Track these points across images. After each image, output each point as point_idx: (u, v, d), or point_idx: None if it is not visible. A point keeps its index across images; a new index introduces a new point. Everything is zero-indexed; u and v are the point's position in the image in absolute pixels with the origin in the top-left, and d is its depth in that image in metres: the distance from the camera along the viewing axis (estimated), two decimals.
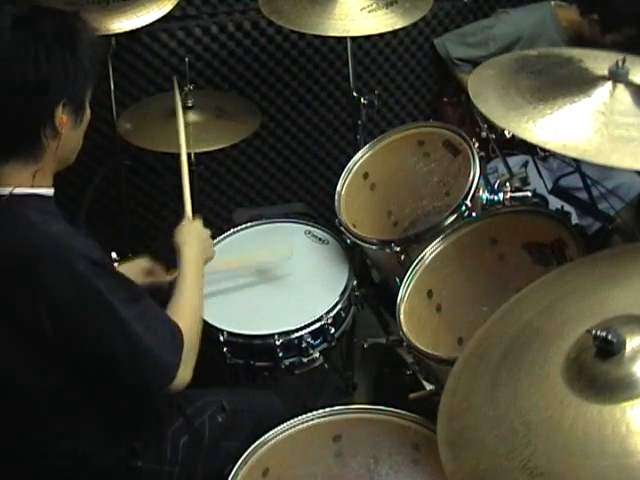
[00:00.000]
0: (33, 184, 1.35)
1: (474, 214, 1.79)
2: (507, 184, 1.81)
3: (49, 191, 1.39)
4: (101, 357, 1.37)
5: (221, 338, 1.83)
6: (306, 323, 1.83)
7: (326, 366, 1.93)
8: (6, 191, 1.32)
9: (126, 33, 2.22)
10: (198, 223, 1.74)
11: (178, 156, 1.87)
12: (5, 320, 1.34)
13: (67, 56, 1.31)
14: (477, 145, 1.86)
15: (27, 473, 1.49)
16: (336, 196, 2.02)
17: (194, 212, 1.79)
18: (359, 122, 2.35)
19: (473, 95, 1.42)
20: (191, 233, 1.68)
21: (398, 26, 2.14)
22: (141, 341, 1.36)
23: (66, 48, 1.31)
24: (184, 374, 1.43)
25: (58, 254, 1.30)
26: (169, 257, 1.69)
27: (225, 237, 2.15)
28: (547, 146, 1.25)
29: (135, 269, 1.80)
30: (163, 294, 1.59)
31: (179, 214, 1.77)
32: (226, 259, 1.99)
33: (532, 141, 1.26)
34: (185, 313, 1.49)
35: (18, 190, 1.33)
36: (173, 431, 1.60)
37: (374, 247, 1.88)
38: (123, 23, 2.20)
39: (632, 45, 2.45)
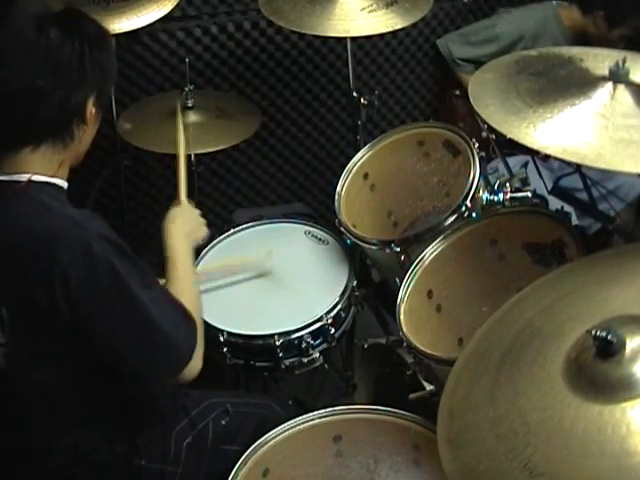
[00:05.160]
0: (55, 173, 1.41)
1: (474, 214, 1.79)
2: (507, 184, 1.81)
3: (64, 183, 1.44)
4: (115, 339, 1.36)
5: (221, 338, 1.83)
6: (306, 323, 1.83)
7: (326, 366, 1.93)
8: (24, 177, 1.37)
9: (126, 33, 2.22)
10: (185, 205, 1.74)
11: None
12: (19, 303, 1.35)
13: (103, 53, 1.42)
14: (477, 145, 1.86)
15: (28, 470, 1.49)
16: (336, 196, 2.02)
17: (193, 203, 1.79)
18: (359, 122, 2.35)
19: (473, 100, 1.42)
20: (176, 217, 1.66)
21: (398, 26, 2.14)
22: (156, 324, 1.36)
23: (102, 46, 1.42)
24: (196, 361, 1.44)
25: (75, 234, 1.32)
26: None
27: (225, 237, 2.15)
28: (547, 151, 1.24)
29: None
30: None
31: None
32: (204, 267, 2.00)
33: (533, 146, 1.26)
34: (186, 295, 1.48)
35: (36, 177, 1.38)
36: (177, 432, 1.60)
37: (374, 247, 1.88)
38: (123, 23, 2.20)
39: (638, 37, 2.45)
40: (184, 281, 1.53)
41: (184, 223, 1.67)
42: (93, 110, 1.42)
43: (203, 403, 1.67)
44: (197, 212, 1.75)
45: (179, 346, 1.40)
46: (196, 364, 1.44)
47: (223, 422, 1.66)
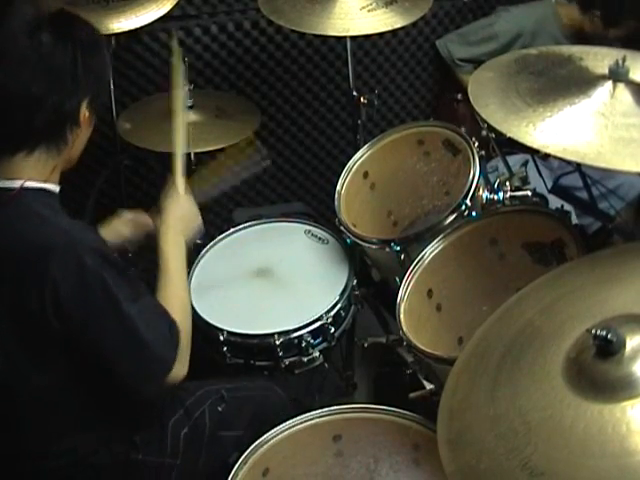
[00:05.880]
0: (47, 178, 1.40)
1: (474, 213, 1.78)
2: (507, 183, 1.81)
3: (56, 188, 1.44)
4: (101, 351, 1.38)
5: (221, 337, 1.83)
6: (306, 322, 1.83)
7: (326, 366, 1.93)
8: (17, 184, 1.37)
9: (126, 33, 2.22)
10: (179, 197, 1.68)
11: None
12: (12, 311, 1.36)
13: (96, 57, 1.41)
14: (477, 144, 1.86)
15: (27, 471, 1.49)
16: (336, 196, 2.02)
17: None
18: (359, 122, 2.35)
19: (473, 99, 1.42)
20: (169, 215, 1.62)
21: (398, 25, 2.14)
22: (142, 338, 1.38)
23: (95, 50, 1.42)
24: (181, 368, 1.45)
25: (68, 246, 1.32)
26: None
27: (225, 237, 2.15)
28: (547, 150, 1.24)
29: (122, 225, 1.79)
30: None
31: None
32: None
33: (533, 145, 1.26)
34: (175, 306, 1.49)
35: (29, 183, 1.37)
36: (173, 423, 1.61)
37: (374, 246, 1.88)
38: (123, 23, 2.20)
39: (635, 38, 2.46)
40: (175, 290, 1.53)
41: (177, 218, 1.63)
42: (87, 113, 1.42)
43: (198, 392, 1.67)
44: (192, 204, 1.70)
45: (162, 359, 1.42)
46: (181, 369, 1.45)
47: (219, 409, 1.66)
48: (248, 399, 1.71)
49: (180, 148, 1.77)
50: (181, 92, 1.84)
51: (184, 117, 1.83)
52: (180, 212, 1.65)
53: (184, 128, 1.81)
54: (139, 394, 1.47)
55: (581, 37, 2.66)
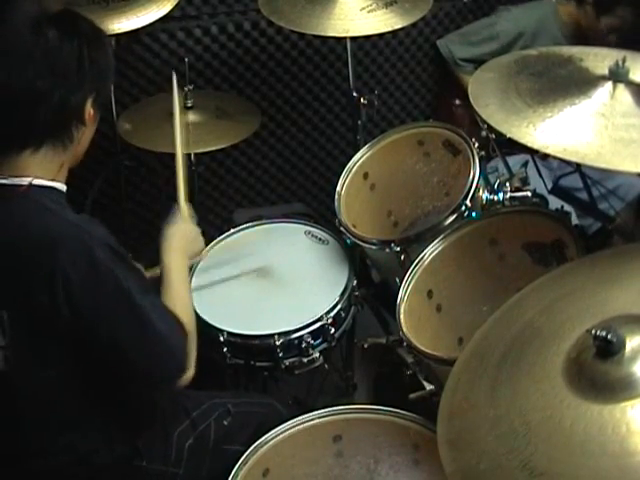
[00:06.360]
0: (55, 177, 1.41)
1: (474, 214, 1.78)
2: (507, 184, 1.81)
3: (63, 187, 1.44)
4: (115, 341, 1.37)
5: (221, 338, 1.83)
6: (306, 323, 1.83)
7: (326, 366, 1.93)
8: (25, 181, 1.37)
9: (126, 33, 2.22)
10: (183, 217, 1.71)
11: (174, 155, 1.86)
12: (21, 305, 1.35)
13: (101, 54, 1.42)
14: (477, 145, 1.86)
15: (28, 469, 1.49)
16: (336, 196, 2.02)
17: (192, 205, 1.78)
18: (359, 122, 2.35)
19: (473, 99, 1.42)
20: (173, 235, 1.64)
21: (398, 26, 2.14)
22: (156, 329, 1.37)
23: (99, 45, 1.42)
24: (190, 369, 1.44)
25: (77, 238, 1.33)
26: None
27: (225, 237, 2.15)
28: (547, 150, 1.25)
29: None
30: None
31: None
32: None
33: (533, 146, 1.26)
34: (179, 308, 1.48)
35: (37, 181, 1.38)
36: (179, 433, 1.61)
37: (374, 247, 1.88)
38: (123, 23, 2.20)
39: (629, 29, 2.47)
40: (178, 296, 1.52)
41: (180, 239, 1.64)
42: (92, 111, 1.42)
43: (204, 404, 1.68)
44: (195, 228, 1.72)
45: (177, 352, 1.41)
46: (190, 371, 1.44)
47: (225, 422, 1.66)
48: (252, 415, 1.70)
49: (182, 174, 1.79)
50: (178, 122, 1.87)
51: (183, 142, 1.85)
52: (180, 238, 1.65)
53: (184, 153, 1.83)
54: (151, 388, 1.47)
55: (580, 34, 2.67)
